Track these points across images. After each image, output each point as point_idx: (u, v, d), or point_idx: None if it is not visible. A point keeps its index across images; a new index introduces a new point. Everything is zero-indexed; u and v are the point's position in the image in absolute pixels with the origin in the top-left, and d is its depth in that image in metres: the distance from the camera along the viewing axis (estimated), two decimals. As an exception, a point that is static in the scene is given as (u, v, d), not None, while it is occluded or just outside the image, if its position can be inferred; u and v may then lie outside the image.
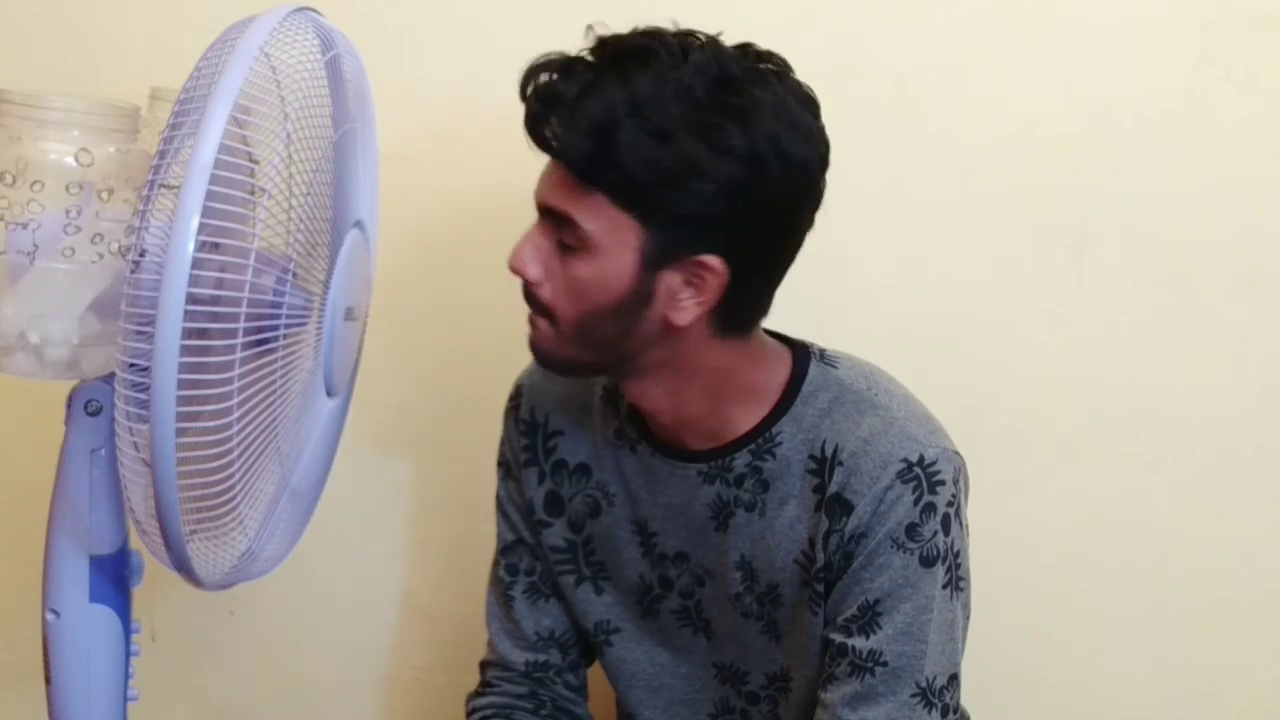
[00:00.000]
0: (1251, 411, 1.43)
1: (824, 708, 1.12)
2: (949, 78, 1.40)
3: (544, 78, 1.05)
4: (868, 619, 1.10)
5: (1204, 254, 1.41)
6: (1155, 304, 1.42)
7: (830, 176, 1.08)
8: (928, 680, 1.10)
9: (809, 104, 1.08)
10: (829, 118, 1.08)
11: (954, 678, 1.13)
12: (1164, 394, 1.43)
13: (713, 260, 1.05)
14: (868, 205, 1.41)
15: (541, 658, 1.28)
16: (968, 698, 1.28)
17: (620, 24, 1.06)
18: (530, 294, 1.10)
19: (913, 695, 1.10)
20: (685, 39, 1.05)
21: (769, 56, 1.08)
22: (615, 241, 1.05)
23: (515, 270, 1.09)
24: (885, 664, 1.09)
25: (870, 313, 1.43)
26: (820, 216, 1.10)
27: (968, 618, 1.16)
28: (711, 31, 1.07)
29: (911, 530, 1.09)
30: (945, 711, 1.11)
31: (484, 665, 1.32)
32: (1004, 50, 1.40)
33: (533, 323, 1.12)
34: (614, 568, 1.24)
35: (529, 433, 1.26)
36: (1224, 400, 1.43)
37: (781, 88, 1.05)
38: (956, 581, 1.12)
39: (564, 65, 1.05)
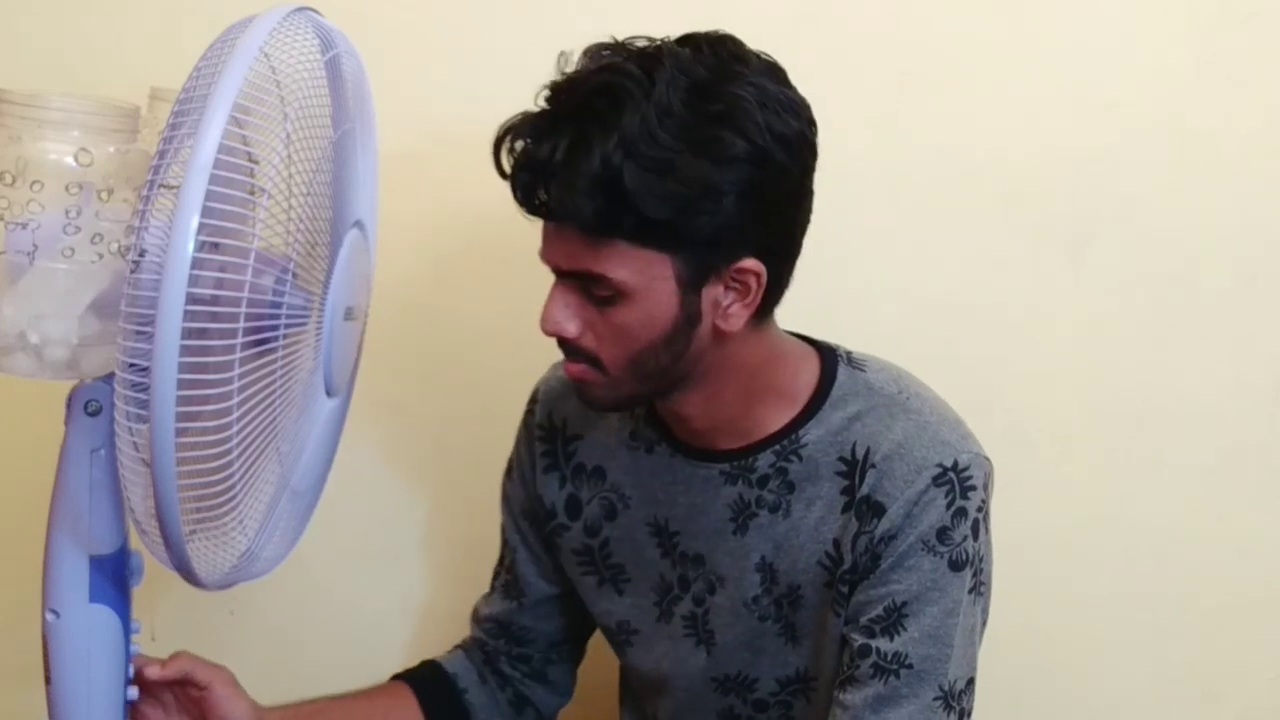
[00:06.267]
0: (1251, 411, 1.43)
1: (844, 709, 1.11)
2: (949, 78, 1.40)
3: (519, 145, 1.02)
4: (893, 620, 1.09)
5: (1204, 254, 1.41)
6: (1155, 304, 1.42)
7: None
8: (950, 684, 1.09)
9: (778, 74, 1.05)
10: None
11: (971, 682, 1.13)
12: (1164, 393, 1.43)
13: (750, 263, 1.05)
14: (868, 205, 1.41)
15: (488, 641, 1.32)
16: (968, 697, 1.28)
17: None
18: (571, 348, 1.08)
19: (935, 698, 1.09)
20: (642, 59, 1.01)
21: (720, 41, 1.04)
22: (649, 279, 1.03)
23: (551, 333, 1.07)
24: (910, 666, 1.09)
25: (870, 313, 1.43)
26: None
27: (985, 622, 1.16)
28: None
29: (943, 534, 1.09)
30: (962, 715, 1.11)
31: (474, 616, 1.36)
32: (1004, 50, 1.40)
33: (576, 372, 1.09)
34: (634, 569, 1.23)
35: (548, 438, 1.26)
36: (1224, 400, 1.43)
37: (751, 71, 1.03)
38: (979, 586, 1.12)
39: (535, 127, 1.01)
